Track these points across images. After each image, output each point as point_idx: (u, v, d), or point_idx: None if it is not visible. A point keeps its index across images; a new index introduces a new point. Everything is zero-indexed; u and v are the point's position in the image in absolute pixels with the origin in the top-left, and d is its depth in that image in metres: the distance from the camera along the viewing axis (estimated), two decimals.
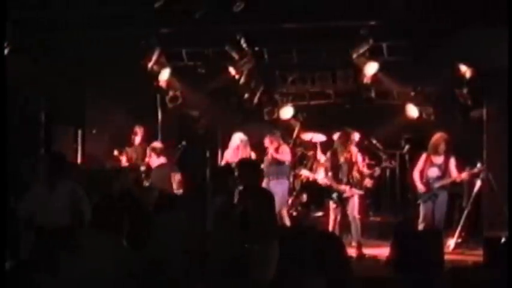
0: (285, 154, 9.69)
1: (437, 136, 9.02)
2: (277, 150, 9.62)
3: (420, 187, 9.02)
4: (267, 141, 9.73)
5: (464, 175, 8.98)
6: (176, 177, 9.92)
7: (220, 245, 5.94)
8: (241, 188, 6.27)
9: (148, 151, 10.20)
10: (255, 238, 5.97)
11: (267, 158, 9.61)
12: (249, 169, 6.60)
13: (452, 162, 8.95)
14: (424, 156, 9.09)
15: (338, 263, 3.06)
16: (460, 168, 9.00)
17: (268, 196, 6.48)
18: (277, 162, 9.59)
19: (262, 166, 9.23)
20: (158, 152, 10.06)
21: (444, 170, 8.96)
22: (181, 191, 9.92)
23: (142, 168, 10.56)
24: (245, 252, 5.84)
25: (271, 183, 9.44)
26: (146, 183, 10.38)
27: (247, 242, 5.99)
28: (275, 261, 5.61)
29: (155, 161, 10.10)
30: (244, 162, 7.10)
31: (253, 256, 5.82)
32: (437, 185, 8.95)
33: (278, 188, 9.32)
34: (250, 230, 6.10)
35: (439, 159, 8.97)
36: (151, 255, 4.84)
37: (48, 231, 6.62)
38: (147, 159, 10.27)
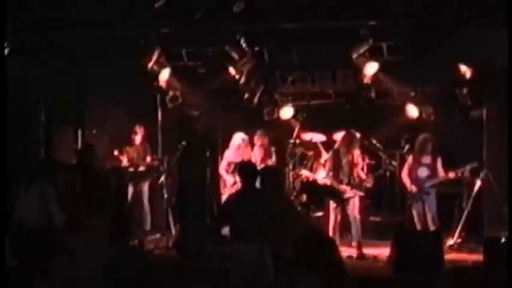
0: None
1: (423, 136, 9.30)
2: None
3: (412, 187, 9.16)
4: None
5: (452, 175, 9.08)
6: None
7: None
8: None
9: None
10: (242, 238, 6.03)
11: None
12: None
13: (440, 161, 9.18)
14: (411, 157, 9.34)
15: (329, 262, 3.06)
16: (451, 167, 9.13)
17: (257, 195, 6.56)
18: None
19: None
20: None
21: (433, 170, 9.18)
22: None
23: (142, 168, 10.59)
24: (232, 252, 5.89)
25: None
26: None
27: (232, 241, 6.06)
28: (265, 261, 5.63)
29: None
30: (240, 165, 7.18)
31: (241, 256, 5.86)
32: (428, 184, 9.13)
33: None
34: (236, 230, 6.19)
35: (427, 159, 9.22)
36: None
37: (39, 233, 6.66)
38: None
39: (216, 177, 10.27)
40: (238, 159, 9.24)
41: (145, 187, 10.67)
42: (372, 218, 10.71)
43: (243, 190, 6.67)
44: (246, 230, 6.11)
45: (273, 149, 10.64)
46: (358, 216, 9.09)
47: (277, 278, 5.39)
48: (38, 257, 6.09)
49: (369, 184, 9.28)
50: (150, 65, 10.14)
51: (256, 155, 9.94)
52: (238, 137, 9.87)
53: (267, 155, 9.99)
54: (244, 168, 6.77)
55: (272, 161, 10.02)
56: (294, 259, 3.12)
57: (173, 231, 9.89)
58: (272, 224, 6.07)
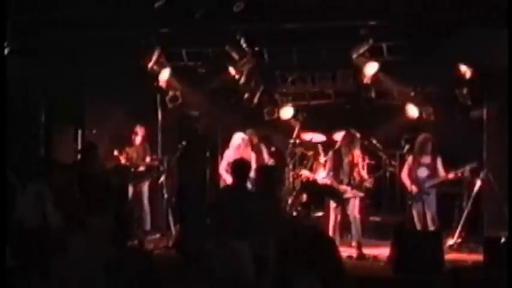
0: None
1: (423, 136, 9.33)
2: None
3: (412, 188, 9.17)
4: None
5: (452, 175, 9.09)
6: None
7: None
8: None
9: None
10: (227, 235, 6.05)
11: None
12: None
13: (439, 161, 9.20)
14: (411, 157, 9.35)
15: (328, 262, 3.06)
16: (451, 168, 9.14)
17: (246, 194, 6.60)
18: None
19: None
20: None
21: (433, 169, 9.19)
22: None
23: (142, 168, 10.59)
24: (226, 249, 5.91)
25: None
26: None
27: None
28: (243, 259, 5.64)
29: None
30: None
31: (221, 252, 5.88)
32: (428, 184, 9.14)
33: None
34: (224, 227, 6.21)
35: (426, 159, 9.24)
36: None
37: (37, 233, 6.66)
38: None
39: (216, 177, 10.27)
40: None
41: (145, 187, 10.67)
42: (372, 218, 10.70)
43: (232, 187, 6.73)
44: (228, 227, 6.14)
45: (272, 148, 10.66)
46: (358, 216, 9.09)
47: (260, 277, 5.41)
48: (36, 257, 6.10)
49: (369, 184, 9.28)
50: (150, 65, 10.14)
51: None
52: (238, 137, 9.87)
53: (256, 154, 9.98)
54: (235, 166, 6.81)
55: (264, 160, 10.04)
56: (289, 259, 3.11)
57: (173, 231, 9.89)
58: (255, 223, 6.08)
